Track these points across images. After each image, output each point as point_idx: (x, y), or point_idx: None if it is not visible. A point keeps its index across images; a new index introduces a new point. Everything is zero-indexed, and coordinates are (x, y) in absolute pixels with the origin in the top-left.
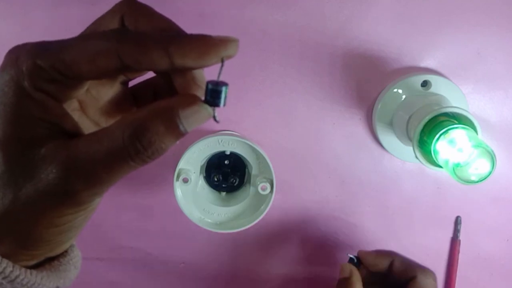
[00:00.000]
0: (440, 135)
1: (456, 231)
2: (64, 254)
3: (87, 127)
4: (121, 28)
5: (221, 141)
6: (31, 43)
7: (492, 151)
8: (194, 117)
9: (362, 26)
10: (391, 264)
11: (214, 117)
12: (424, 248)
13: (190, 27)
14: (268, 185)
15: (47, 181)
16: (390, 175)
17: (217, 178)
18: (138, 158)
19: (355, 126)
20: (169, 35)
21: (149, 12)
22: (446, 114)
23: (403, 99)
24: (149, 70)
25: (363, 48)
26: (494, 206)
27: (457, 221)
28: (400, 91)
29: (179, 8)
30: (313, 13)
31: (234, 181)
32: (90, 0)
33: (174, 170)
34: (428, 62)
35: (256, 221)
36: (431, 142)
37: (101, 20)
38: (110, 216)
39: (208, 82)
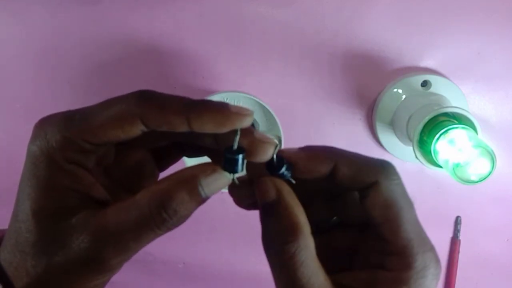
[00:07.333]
0: (440, 135)
1: (456, 231)
2: None
3: (111, 190)
4: (142, 91)
5: (227, 100)
6: (56, 116)
7: (492, 151)
8: (215, 184)
9: (362, 26)
10: (334, 170)
11: (233, 181)
12: None
13: (190, 27)
14: (276, 141)
15: (79, 250)
16: None
17: None
18: (164, 226)
19: (355, 126)
20: (189, 102)
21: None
22: (446, 114)
23: (403, 99)
24: (169, 131)
25: (363, 48)
26: (494, 206)
27: (457, 221)
28: (400, 91)
29: (179, 8)
30: (313, 13)
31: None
32: (91, 0)
33: None
34: (428, 62)
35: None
36: (431, 142)
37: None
38: None
39: (225, 151)
